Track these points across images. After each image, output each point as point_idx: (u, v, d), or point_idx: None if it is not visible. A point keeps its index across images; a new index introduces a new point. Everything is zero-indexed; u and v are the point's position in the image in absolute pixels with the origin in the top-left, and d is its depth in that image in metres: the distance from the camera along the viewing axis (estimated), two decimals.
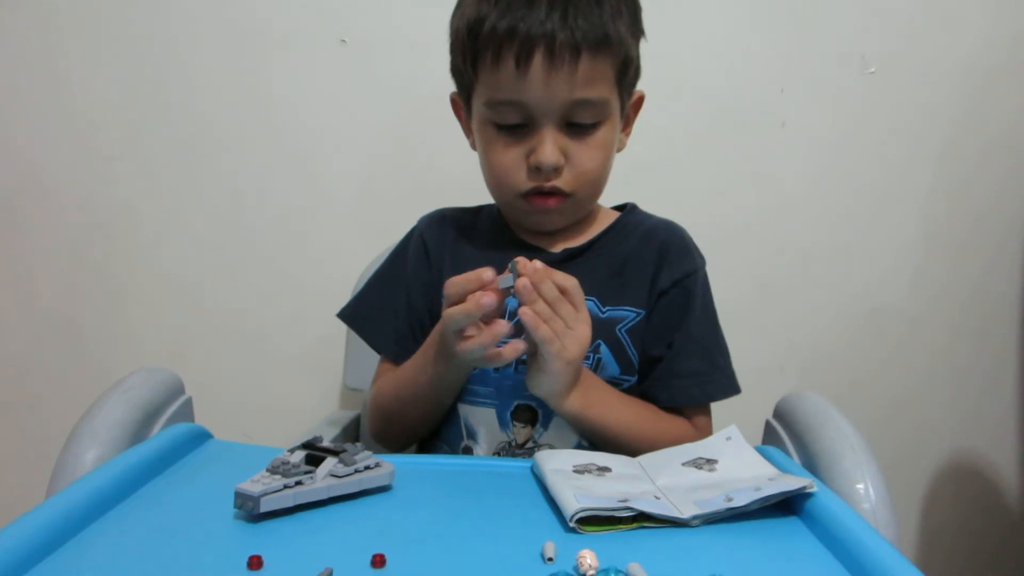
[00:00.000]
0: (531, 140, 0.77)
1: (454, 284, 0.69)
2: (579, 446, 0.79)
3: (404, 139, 1.18)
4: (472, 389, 0.81)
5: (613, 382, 0.81)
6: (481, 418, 0.80)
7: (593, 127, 0.77)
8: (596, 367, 0.81)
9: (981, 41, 1.22)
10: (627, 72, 0.79)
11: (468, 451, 0.82)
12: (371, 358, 1.07)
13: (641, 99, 0.86)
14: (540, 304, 0.68)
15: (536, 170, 0.77)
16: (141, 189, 1.18)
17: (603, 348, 0.81)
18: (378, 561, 0.48)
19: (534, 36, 0.72)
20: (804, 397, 0.76)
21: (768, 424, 0.81)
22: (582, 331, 0.70)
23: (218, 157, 1.18)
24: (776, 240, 1.24)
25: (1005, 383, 1.32)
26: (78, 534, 0.51)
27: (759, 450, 0.70)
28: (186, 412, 0.76)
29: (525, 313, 0.67)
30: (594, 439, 0.78)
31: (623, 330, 0.82)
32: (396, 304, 0.87)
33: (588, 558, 0.48)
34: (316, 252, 1.20)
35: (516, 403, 0.80)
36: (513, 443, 0.80)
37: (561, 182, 0.78)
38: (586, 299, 0.76)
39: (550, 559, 0.50)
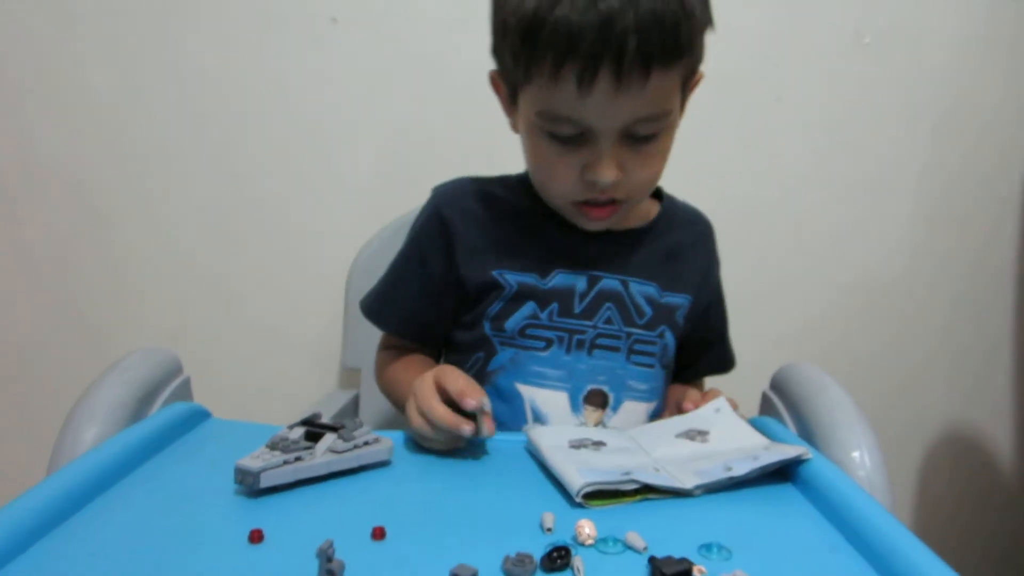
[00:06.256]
0: (585, 152, 0.71)
1: (443, 418, 0.62)
2: None
3: (398, 118, 1.17)
4: (541, 372, 0.78)
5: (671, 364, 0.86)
6: (551, 401, 0.78)
7: (653, 137, 0.71)
8: (663, 353, 0.83)
9: (976, 10, 1.21)
10: (694, 73, 0.74)
11: None
12: (369, 338, 1.07)
13: (699, 79, 0.76)
14: None
15: (591, 183, 0.72)
16: (138, 169, 1.18)
17: (668, 335, 0.83)
18: (378, 534, 0.49)
19: (600, 50, 0.63)
20: (800, 367, 0.77)
21: (764, 396, 0.81)
22: None
23: (214, 138, 1.17)
24: (773, 215, 1.24)
25: (1002, 358, 1.33)
26: (79, 512, 0.51)
27: (756, 421, 0.71)
28: (184, 392, 0.76)
29: None
30: None
31: (681, 316, 0.84)
32: (412, 289, 0.84)
33: (587, 528, 0.49)
34: (314, 232, 1.20)
35: (589, 387, 0.79)
36: (583, 427, 0.78)
37: (616, 192, 0.73)
38: (646, 284, 0.82)
39: (549, 529, 0.50)
